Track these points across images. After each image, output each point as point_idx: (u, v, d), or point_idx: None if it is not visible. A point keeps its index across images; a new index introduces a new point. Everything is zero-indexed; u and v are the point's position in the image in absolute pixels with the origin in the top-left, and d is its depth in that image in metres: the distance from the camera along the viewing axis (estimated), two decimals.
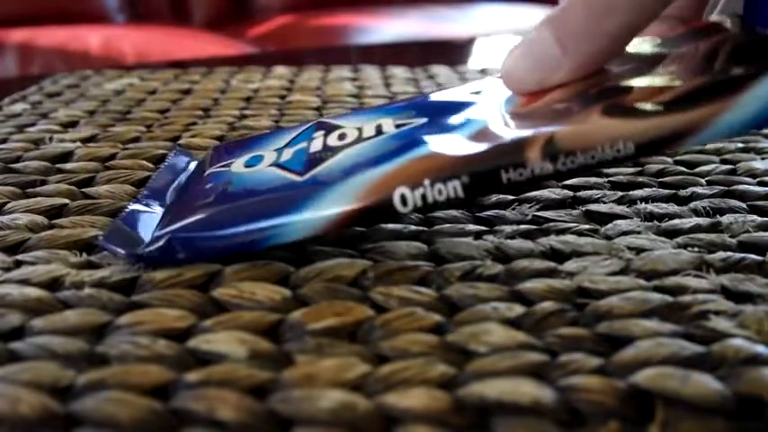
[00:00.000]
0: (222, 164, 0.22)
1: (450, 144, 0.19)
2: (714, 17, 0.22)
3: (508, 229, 0.21)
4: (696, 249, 0.19)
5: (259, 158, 0.21)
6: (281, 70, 0.46)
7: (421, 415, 0.13)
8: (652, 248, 0.19)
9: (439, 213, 0.22)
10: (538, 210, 0.22)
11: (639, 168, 0.26)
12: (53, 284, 0.18)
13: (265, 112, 0.35)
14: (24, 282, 0.18)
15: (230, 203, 0.19)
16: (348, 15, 1.37)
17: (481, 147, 0.18)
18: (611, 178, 0.25)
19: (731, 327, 0.16)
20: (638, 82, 0.19)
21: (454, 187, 0.17)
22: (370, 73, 0.45)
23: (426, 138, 0.19)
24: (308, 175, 0.19)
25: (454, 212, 0.22)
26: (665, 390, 0.14)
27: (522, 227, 0.21)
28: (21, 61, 1.13)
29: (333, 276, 0.18)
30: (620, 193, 0.23)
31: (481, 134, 0.19)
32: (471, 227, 0.21)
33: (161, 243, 0.18)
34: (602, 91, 0.19)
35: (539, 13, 1.26)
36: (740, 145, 0.29)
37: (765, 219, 0.21)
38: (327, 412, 0.13)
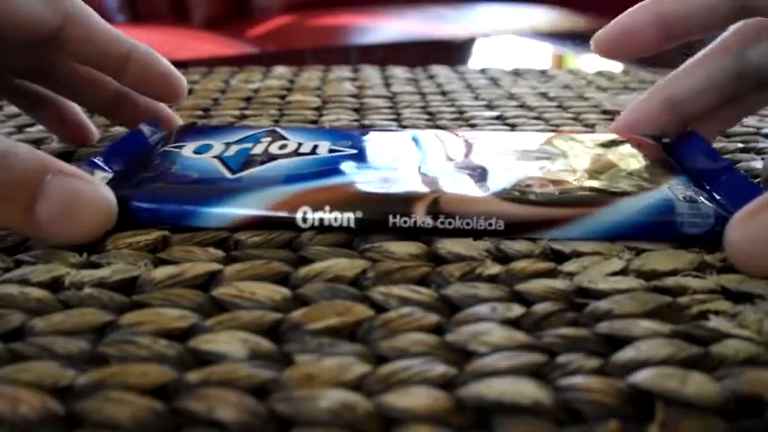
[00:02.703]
0: (177, 144, 0.24)
1: (360, 180, 0.21)
2: (638, 135, 0.26)
3: None
4: (696, 249, 0.19)
5: (208, 147, 0.24)
6: (281, 70, 0.46)
7: (421, 415, 0.13)
8: (652, 248, 0.19)
9: None
10: None
11: None
12: (53, 284, 0.18)
13: (265, 112, 0.35)
14: (24, 282, 0.18)
15: (169, 182, 0.21)
16: (348, 15, 1.37)
17: (381, 190, 0.20)
18: None
19: (731, 327, 0.16)
20: (540, 173, 0.22)
21: (348, 218, 0.20)
22: (370, 73, 0.45)
23: (345, 169, 0.22)
24: (237, 175, 0.22)
25: None
26: (665, 390, 0.14)
27: None
28: None
29: (333, 276, 0.18)
30: None
31: (391, 179, 0.21)
32: None
33: None
34: None
35: (538, 14, 1.26)
36: (740, 145, 0.29)
37: None
38: (327, 412, 0.13)
